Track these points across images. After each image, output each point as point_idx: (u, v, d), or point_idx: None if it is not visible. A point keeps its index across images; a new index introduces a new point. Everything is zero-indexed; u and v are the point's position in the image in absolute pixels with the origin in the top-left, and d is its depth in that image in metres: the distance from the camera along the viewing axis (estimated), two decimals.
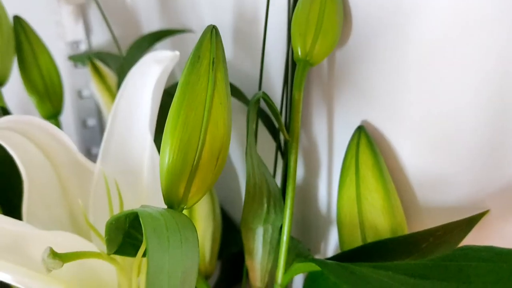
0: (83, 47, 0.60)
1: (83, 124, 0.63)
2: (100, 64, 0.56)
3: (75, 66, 0.61)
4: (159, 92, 0.31)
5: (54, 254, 0.21)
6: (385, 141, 0.33)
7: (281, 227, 0.33)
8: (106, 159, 0.31)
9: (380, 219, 0.30)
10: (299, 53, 0.31)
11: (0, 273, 0.23)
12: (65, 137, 0.30)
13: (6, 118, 0.29)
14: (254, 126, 0.32)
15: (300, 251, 0.36)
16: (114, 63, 0.57)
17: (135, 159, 0.31)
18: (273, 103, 0.31)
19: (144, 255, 0.27)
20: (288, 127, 0.33)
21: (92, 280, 0.29)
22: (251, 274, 0.35)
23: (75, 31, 0.59)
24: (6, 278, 0.23)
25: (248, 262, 0.34)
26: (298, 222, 0.44)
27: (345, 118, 0.36)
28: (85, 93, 0.62)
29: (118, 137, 0.31)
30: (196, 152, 0.25)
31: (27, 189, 0.28)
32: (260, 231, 0.34)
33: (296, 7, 0.32)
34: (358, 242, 0.31)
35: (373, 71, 0.32)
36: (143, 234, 0.20)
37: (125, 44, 0.60)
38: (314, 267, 0.29)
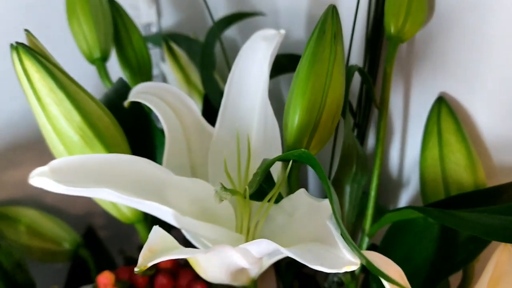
0: (154, 29, 0.65)
1: None
2: (173, 45, 0.61)
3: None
4: (270, 65, 0.35)
5: (225, 188, 0.26)
6: (463, 110, 0.37)
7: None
8: (223, 122, 0.36)
9: (464, 176, 0.35)
10: (392, 31, 0.36)
11: (158, 206, 0.28)
12: (192, 103, 0.35)
13: (146, 84, 0.34)
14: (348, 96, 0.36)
15: (380, 206, 0.41)
16: (184, 43, 0.62)
17: (245, 122, 0.36)
18: (368, 75, 0.36)
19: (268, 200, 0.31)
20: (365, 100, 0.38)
21: (209, 216, 0.34)
22: None
23: (149, 14, 0.63)
24: (167, 215, 0.28)
25: None
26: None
27: (421, 91, 0.40)
28: (154, 72, 0.67)
29: (232, 103, 0.36)
30: (318, 112, 0.30)
31: (168, 142, 0.33)
32: (348, 188, 0.39)
33: None
34: (441, 196, 0.36)
35: (453, 46, 0.36)
36: (320, 175, 0.24)
37: (193, 26, 0.65)
38: (405, 216, 0.34)
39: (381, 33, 0.39)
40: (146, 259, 0.23)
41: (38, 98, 0.30)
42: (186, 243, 0.41)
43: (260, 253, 0.27)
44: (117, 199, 0.28)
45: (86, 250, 0.54)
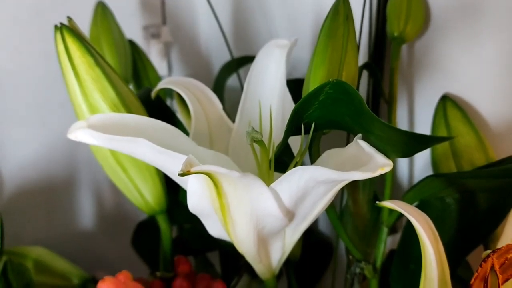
0: None
1: None
2: None
3: None
4: (286, 62, 0.38)
5: (255, 131, 0.28)
6: (467, 104, 0.40)
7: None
8: (242, 116, 0.38)
9: (476, 155, 0.37)
10: (395, 33, 0.40)
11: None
12: (215, 98, 0.38)
13: (174, 77, 0.37)
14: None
15: None
16: None
17: (264, 103, 0.38)
18: (378, 71, 0.39)
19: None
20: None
21: None
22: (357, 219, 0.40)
23: (161, 68, 0.67)
24: None
25: (354, 209, 0.40)
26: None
27: (424, 94, 0.43)
28: None
29: (249, 100, 0.39)
30: None
31: (194, 122, 0.35)
32: (360, 183, 0.40)
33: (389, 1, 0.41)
34: None
35: (451, 47, 0.40)
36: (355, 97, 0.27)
37: (200, 80, 0.69)
38: (423, 193, 0.35)
39: (383, 38, 0.43)
40: (187, 167, 0.24)
41: (77, 74, 0.32)
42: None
43: (291, 193, 0.28)
44: (152, 152, 0.29)
45: (94, 286, 0.52)
